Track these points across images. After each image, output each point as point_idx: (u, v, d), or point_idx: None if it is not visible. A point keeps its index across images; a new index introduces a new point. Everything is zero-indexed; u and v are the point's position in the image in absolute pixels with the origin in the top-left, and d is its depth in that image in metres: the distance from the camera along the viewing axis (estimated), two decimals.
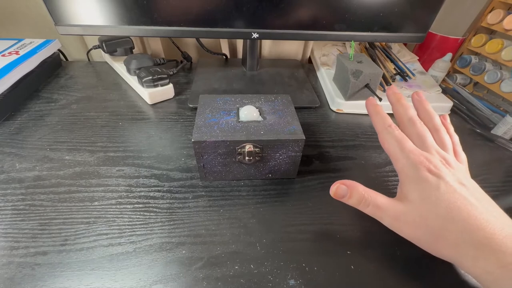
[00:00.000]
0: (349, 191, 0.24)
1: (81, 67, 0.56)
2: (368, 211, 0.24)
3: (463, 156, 0.26)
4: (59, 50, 0.55)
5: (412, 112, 0.27)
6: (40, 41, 0.52)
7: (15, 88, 0.43)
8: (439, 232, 0.20)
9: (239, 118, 0.31)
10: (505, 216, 0.21)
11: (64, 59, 0.58)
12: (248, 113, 0.32)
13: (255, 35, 0.43)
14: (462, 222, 0.20)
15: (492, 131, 0.44)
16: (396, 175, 0.25)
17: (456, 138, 0.27)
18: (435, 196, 0.21)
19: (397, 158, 0.24)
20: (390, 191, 0.33)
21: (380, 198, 0.23)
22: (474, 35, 0.56)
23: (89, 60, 0.59)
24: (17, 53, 0.47)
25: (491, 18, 0.52)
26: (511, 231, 0.19)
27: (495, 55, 0.51)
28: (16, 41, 0.51)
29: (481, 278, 0.20)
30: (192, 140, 0.28)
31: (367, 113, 0.28)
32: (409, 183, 0.22)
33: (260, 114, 0.32)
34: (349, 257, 0.26)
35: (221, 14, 0.41)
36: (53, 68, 0.54)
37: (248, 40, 0.51)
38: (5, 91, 0.41)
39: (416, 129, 0.25)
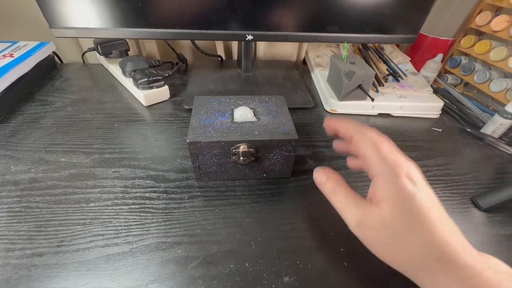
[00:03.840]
0: (326, 177, 0.24)
1: (76, 70, 0.56)
2: (336, 200, 0.24)
3: None
4: (54, 52, 0.55)
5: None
6: (35, 43, 0.52)
7: (10, 91, 0.43)
8: (404, 239, 0.20)
9: (233, 119, 0.32)
10: (460, 232, 0.20)
11: (59, 62, 0.58)
12: (243, 113, 0.32)
13: (249, 37, 0.44)
14: (430, 233, 0.19)
15: (482, 130, 0.45)
16: None
17: None
18: (410, 203, 0.20)
19: (374, 162, 0.22)
20: None
21: (353, 193, 0.23)
22: (463, 37, 0.57)
23: (84, 62, 0.59)
24: (11, 55, 0.47)
25: (480, 20, 0.53)
26: (468, 246, 0.19)
27: (484, 55, 0.52)
28: (11, 43, 0.51)
29: None
30: (187, 140, 0.28)
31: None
32: (385, 187, 0.21)
33: (254, 115, 0.33)
34: (342, 254, 0.27)
35: (215, 16, 0.42)
36: (48, 71, 0.54)
37: (242, 42, 0.51)
38: None
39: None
